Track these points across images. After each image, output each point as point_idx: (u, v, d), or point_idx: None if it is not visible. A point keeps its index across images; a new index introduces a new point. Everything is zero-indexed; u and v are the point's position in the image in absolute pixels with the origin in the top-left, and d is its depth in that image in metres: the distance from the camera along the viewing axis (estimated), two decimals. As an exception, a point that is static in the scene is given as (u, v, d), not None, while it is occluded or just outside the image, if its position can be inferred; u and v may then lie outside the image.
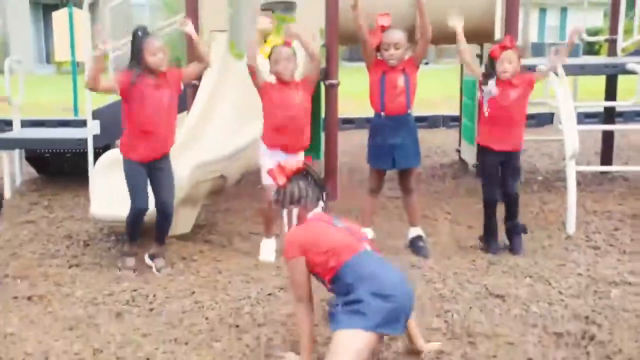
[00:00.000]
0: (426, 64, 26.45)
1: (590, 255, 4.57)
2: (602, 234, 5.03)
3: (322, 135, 6.83)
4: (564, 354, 3.12)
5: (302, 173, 3.19)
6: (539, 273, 4.20)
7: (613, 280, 4.05)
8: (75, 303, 3.84)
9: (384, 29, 4.62)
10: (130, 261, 4.45)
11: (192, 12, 6.14)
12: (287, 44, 4.50)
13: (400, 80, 4.59)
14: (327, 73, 6.19)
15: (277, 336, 3.36)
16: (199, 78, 5.97)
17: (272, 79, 4.58)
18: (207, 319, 3.60)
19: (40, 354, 3.18)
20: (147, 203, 4.34)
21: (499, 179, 4.63)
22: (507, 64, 4.45)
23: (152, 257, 4.49)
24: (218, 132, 5.54)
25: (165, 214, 4.43)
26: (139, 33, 4.23)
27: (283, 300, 3.83)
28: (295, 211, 3.16)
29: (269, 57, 4.51)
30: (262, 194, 4.74)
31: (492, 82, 4.53)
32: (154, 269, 4.41)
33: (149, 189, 4.39)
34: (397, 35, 4.59)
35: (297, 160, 3.41)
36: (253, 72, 4.52)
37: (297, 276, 3.00)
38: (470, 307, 3.66)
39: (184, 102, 6.03)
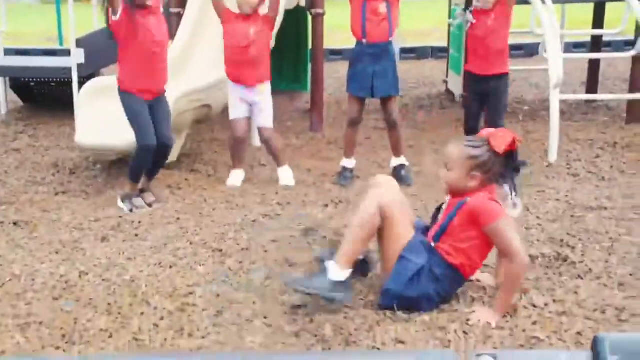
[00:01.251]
0: (418, -6, 26.00)
1: (570, 182, 4.65)
2: (582, 161, 5.10)
3: (309, 67, 6.80)
4: (537, 274, 3.21)
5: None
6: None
7: (589, 206, 4.13)
8: (62, 228, 3.91)
9: None
10: (140, 201, 4.33)
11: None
12: None
13: (382, 7, 4.55)
14: (313, 2, 6.11)
15: (260, 261, 3.43)
16: (183, 5, 5.90)
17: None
18: (191, 243, 3.67)
19: (27, 275, 3.25)
20: (154, 139, 4.20)
21: (481, 112, 4.66)
22: None
23: (141, 192, 4.43)
24: (202, 60, 5.52)
25: (165, 149, 4.35)
26: None
27: (267, 227, 3.90)
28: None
29: None
30: (230, 126, 4.77)
31: (469, 11, 4.56)
32: (144, 205, 4.32)
33: None
34: None
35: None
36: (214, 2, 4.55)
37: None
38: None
39: (169, 31, 5.96)
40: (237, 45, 4.57)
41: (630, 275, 3.15)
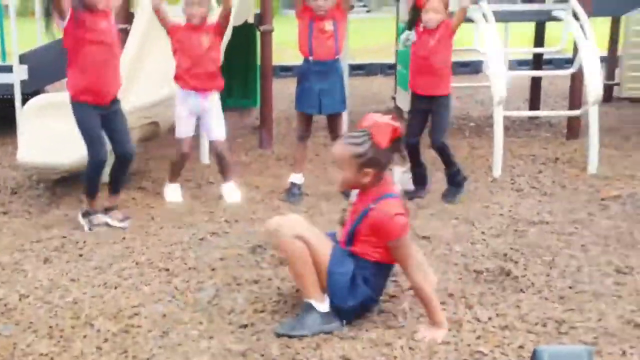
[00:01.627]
0: (367, 11, 26.33)
1: (513, 197, 4.76)
2: (525, 176, 5.22)
3: (258, 83, 6.79)
4: (481, 289, 3.27)
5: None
6: (464, 215, 4.36)
7: (532, 220, 4.24)
8: (2, 250, 3.81)
9: None
10: (99, 218, 4.22)
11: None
12: None
13: (329, 25, 4.59)
14: (262, 19, 6.13)
15: (207, 280, 3.41)
16: (130, 21, 5.85)
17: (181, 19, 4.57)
18: (137, 263, 3.63)
19: (-37, 300, 3.16)
20: (106, 153, 4.11)
21: (423, 128, 4.72)
22: (433, 13, 4.46)
23: (108, 211, 4.31)
24: (150, 77, 5.46)
25: (127, 161, 4.27)
26: None
27: (215, 245, 3.88)
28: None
29: None
30: (176, 143, 4.73)
31: (412, 31, 4.60)
32: (116, 223, 4.22)
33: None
34: None
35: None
36: (158, 15, 4.53)
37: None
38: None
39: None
40: (192, 54, 4.54)
41: (570, 288, 3.25)
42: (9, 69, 6.26)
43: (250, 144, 6.33)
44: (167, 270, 3.54)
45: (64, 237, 4.02)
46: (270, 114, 6.35)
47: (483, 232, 4.06)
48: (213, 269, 3.53)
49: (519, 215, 4.34)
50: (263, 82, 6.31)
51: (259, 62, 6.75)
